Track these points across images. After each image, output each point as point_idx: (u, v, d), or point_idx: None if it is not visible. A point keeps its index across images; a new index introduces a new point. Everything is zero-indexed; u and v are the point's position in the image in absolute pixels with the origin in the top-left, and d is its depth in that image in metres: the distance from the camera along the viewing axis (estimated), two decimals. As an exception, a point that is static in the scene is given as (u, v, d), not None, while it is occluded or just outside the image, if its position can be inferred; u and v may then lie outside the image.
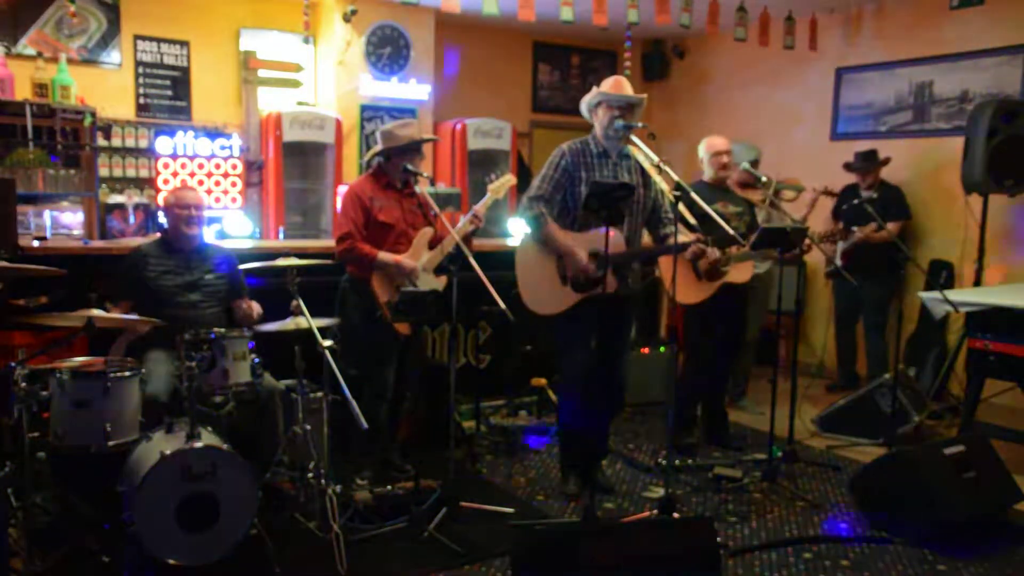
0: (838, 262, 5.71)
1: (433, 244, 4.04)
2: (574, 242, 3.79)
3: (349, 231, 3.88)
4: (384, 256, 3.87)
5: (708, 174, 4.73)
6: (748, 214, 4.72)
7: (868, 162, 5.84)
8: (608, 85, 3.87)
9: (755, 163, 5.26)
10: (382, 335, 3.92)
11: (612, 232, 3.74)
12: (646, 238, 4.10)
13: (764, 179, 4.88)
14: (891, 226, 5.35)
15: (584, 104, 3.95)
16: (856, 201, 5.02)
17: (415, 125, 4.03)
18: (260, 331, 3.51)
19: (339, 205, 4.24)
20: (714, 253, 4.02)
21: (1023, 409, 5.14)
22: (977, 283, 5.62)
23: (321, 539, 3.25)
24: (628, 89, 3.85)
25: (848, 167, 5.94)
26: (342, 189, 5.70)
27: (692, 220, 4.08)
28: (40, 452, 3.18)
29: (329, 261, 3.86)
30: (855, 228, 5.59)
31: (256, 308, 3.87)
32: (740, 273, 4.51)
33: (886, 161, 5.86)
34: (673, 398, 3.87)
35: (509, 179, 4.26)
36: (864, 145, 6.44)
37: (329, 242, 4.70)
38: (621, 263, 3.83)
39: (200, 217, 3.81)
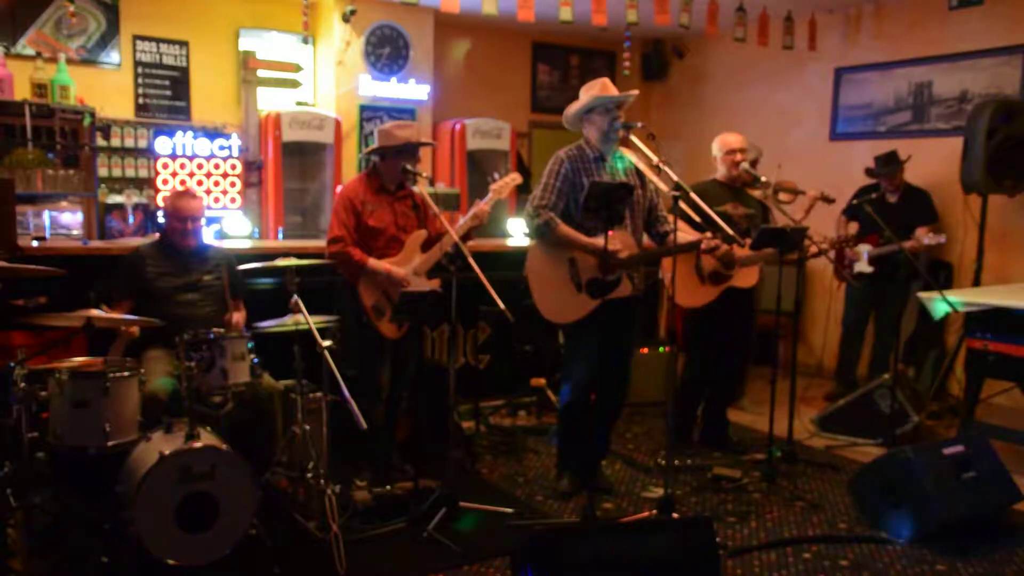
0: (866, 268, 5.61)
1: (426, 247, 4.03)
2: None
3: (340, 235, 3.87)
4: (374, 263, 3.86)
5: (721, 172, 4.67)
6: (760, 216, 4.65)
7: (890, 165, 5.62)
8: (598, 88, 3.84)
9: (755, 163, 5.25)
10: (371, 336, 3.93)
11: (625, 235, 3.74)
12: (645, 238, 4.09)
13: (763, 179, 4.87)
14: (922, 231, 5.35)
15: (573, 112, 3.90)
16: (866, 207, 4.90)
17: (414, 127, 3.99)
18: (259, 331, 3.50)
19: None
20: (724, 247, 3.94)
21: (1023, 409, 5.13)
22: (976, 283, 5.62)
23: (320, 539, 3.24)
24: (614, 89, 3.84)
25: (870, 173, 5.75)
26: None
27: (696, 218, 4.05)
28: (39, 452, 3.18)
29: (328, 262, 3.86)
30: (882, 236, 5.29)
31: (238, 320, 3.83)
32: (746, 278, 4.49)
33: (906, 160, 5.64)
34: (672, 398, 3.87)
35: (514, 178, 4.18)
36: (864, 145, 6.45)
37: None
38: (637, 264, 3.83)
39: (197, 228, 3.83)
